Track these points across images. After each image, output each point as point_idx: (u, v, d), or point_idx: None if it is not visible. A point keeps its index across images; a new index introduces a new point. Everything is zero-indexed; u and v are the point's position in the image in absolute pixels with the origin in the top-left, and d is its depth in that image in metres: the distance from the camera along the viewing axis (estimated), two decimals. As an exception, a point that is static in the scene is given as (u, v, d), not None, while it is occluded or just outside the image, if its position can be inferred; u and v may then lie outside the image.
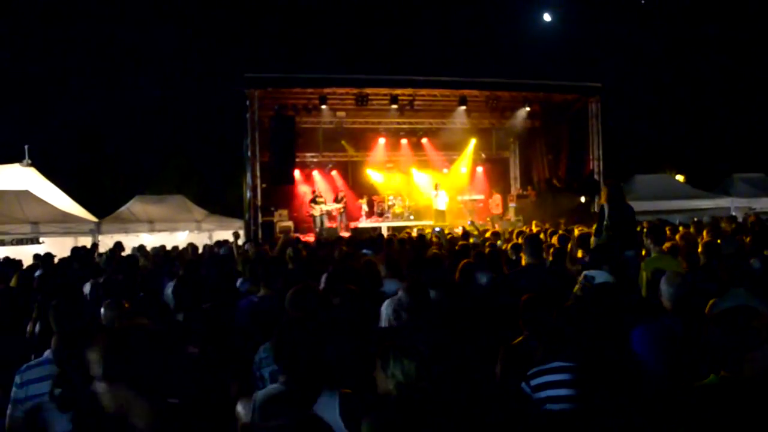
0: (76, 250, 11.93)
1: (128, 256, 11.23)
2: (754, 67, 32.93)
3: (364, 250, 8.37)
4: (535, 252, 5.71)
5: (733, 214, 18.60)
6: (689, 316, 3.48)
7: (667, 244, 6.54)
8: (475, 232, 12.38)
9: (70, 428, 2.80)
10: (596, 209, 15.33)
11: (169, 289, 6.52)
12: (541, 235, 8.93)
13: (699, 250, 6.06)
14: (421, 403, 2.58)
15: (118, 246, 12.38)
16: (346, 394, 2.73)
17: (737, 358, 2.31)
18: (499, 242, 9.92)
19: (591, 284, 4.46)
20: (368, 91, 18.32)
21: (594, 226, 7.42)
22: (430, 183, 21.46)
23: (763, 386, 2.22)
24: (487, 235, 11.42)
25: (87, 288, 6.21)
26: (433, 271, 5.11)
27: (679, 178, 25.88)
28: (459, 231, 14.84)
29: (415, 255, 7.19)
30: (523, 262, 6.48)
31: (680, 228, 10.79)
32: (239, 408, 2.87)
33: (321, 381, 2.73)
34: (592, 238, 7.22)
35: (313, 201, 19.45)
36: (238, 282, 6.50)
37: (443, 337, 3.84)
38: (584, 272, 4.82)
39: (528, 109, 20.24)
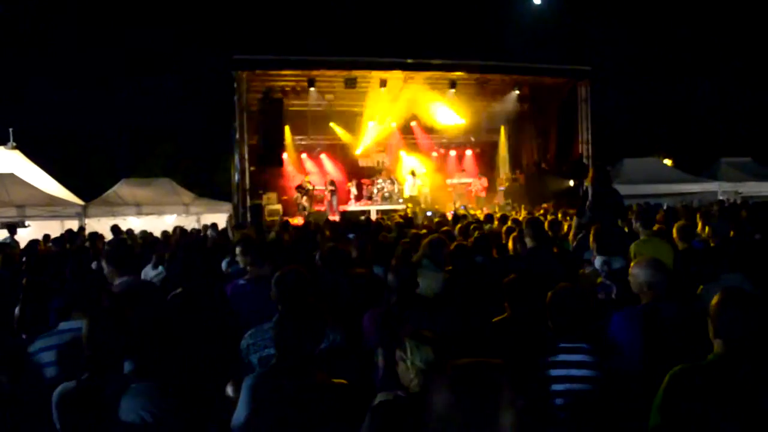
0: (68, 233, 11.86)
1: (118, 239, 11.16)
2: (742, 51, 33.03)
3: (349, 235, 8.33)
4: (539, 236, 5.70)
5: (721, 198, 18.75)
6: (668, 301, 3.49)
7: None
8: (468, 216, 12.40)
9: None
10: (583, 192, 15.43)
11: (150, 273, 6.51)
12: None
13: (674, 234, 6.07)
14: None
15: (114, 230, 12.30)
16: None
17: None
18: (487, 227, 9.91)
19: (611, 269, 4.52)
20: (357, 73, 18.20)
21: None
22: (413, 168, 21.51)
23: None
24: (481, 217, 11.50)
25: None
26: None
27: (667, 162, 25.97)
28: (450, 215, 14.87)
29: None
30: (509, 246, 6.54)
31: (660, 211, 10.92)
32: (229, 390, 2.83)
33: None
34: (574, 219, 7.24)
35: (299, 188, 19.60)
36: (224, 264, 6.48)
37: (432, 318, 3.81)
38: (599, 257, 4.86)
39: (518, 92, 20.23)
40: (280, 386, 2.59)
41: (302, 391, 2.54)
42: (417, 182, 20.68)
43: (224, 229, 12.45)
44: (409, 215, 14.31)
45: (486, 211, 17.66)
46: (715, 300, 2.51)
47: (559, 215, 11.57)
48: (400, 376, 2.66)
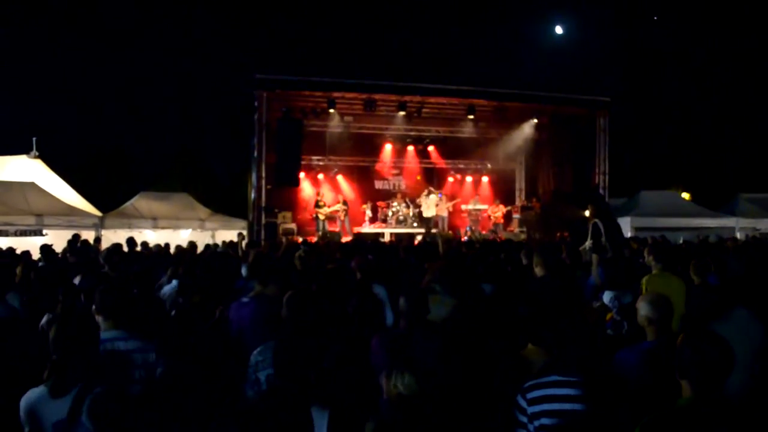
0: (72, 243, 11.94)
1: (129, 252, 11.25)
2: (763, 85, 32.86)
3: (369, 257, 8.29)
4: (550, 264, 5.48)
5: (738, 234, 18.54)
6: (671, 339, 3.46)
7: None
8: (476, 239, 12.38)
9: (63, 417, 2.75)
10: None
11: (165, 287, 6.53)
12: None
13: (691, 270, 5.99)
14: (420, 415, 2.56)
15: (130, 242, 12.37)
16: (336, 411, 2.70)
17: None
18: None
19: (622, 304, 4.48)
20: (376, 96, 18.36)
21: (588, 241, 7.34)
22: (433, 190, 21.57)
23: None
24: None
25: (77, 280, 6.13)
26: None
27: (685, 195, 25.75)
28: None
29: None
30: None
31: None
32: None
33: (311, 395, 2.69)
34: (594, 256, 7.15)
35: (317, 205, 19.59)
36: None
37: (442, 345, 3.79)
38: (608, 292, 4.79)
39: (536, 120, 20.23)
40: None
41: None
42: (435, 200, 20.69)
43: (236, 244, 12.49)
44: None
45: (501, 237, 17.58)
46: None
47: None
48: (385, 390, 2.67)
